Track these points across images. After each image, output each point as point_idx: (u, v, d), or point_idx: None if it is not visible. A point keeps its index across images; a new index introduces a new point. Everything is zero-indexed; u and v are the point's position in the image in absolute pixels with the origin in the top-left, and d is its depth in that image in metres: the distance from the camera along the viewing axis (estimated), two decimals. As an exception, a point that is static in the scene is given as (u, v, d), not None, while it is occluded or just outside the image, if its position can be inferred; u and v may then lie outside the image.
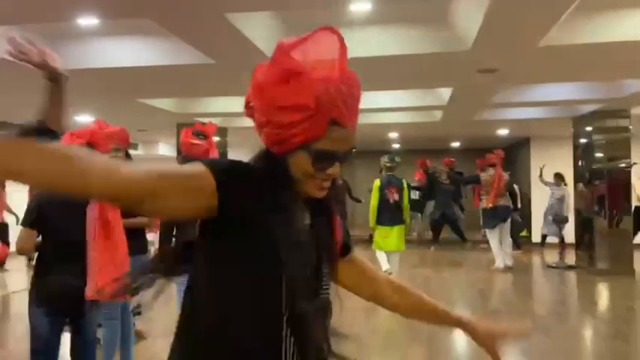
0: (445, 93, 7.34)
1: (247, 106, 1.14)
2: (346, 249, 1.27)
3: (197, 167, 1.00)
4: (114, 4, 3.75)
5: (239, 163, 1.09)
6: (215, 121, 9.23)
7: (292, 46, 1.04)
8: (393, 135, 11.87)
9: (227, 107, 8.35)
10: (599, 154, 8.65)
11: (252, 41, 4.43)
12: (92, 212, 2.56)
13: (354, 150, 1.10)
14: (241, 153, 10.89)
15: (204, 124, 7.30)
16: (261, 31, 4.50)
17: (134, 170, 0.94)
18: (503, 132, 11.26)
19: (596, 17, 4.50)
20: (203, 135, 3.39)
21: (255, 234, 1.03)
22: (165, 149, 12.83)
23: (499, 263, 8.44)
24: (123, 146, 3.38)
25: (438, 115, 8.98)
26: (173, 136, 9.34)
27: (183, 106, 8.28)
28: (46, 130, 1.68)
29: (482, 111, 8.65)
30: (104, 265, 2.51)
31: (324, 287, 1.14)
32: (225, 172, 1.03)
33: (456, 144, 14.20)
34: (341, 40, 1.06)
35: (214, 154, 3.41)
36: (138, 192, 0.94)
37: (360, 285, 1.32)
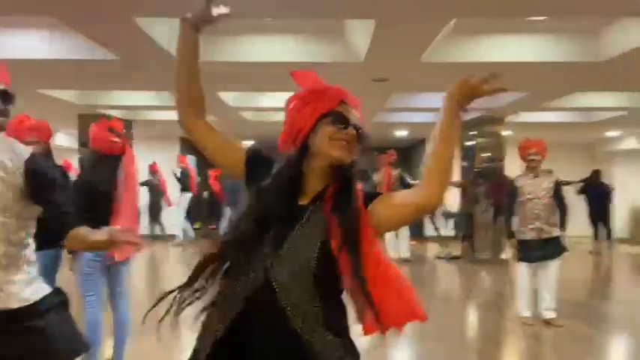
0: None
1: (283, 142, 1.48)
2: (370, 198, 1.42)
3: (243, 147, 1.56)
4: (18, 2, 3.76)
5: (267, 155, 1.53)
6: (119, 113, 9.17)
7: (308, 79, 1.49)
8: (301, 132, 12.36)
9: (131, 100, 8.29)
10: (480, 156, 9.71)
11: (159, 42, 4.60)
12: None
13: (364, 135, 1.42)
14: (147, 145, 10.82)
15: (108, 117, 7.24)
16: (168, 33, 4.68)
17: (213, 130, 1.52)
18: (402, 133, 12.12)
19: (465, 41, 5.24)
20: (116, 132, 3.43)
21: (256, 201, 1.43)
22: (64, 139, 12.29)
23: (393, 255, 9.17)
24: (43, 140, 3.39)
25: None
26: (74, 126, 9.08)
27: (86, 98, 8.11)
28: None
29: (381, 114, 9.33)
30: None
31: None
32: (254, 152, 1.52)
33: (360, 142, 14.95)
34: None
35: (129, 150, 3.46)
36: (207, 142, 1.51)
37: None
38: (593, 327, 5.14)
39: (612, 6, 3.83)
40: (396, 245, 9.16)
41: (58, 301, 1.87)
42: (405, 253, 9.26)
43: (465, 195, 9.98)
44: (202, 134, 1.50)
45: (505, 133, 9.79)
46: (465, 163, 10.09)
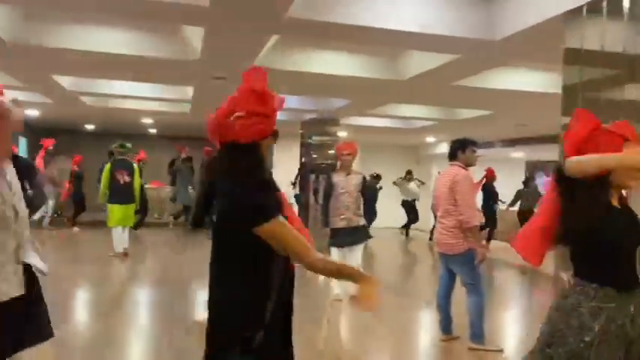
0: (189, 90, 8.19)
1: (235, 116, 1.82)
2: None
3: None
4: None
5: None
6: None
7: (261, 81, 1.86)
8: (148, 120, 12.25)
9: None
10: (317, 153, 10.62)
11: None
12: None
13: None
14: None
15: None
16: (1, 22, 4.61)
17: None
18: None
19: (297, 53, 5.94)
20: None
21: None
22: None
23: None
24: None
25: (187, 107, 9.77)
26: None
27: None
28: None
29: (226, 109, 9.72)
30: None
31: None
32: None
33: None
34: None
35: None
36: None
37: None
38: (394, 299, 6.16)
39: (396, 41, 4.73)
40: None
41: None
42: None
43: (302, 188, 10.86)
44: None
45: (341, 133, 10.82)
46: (305, 159, 10.94)
